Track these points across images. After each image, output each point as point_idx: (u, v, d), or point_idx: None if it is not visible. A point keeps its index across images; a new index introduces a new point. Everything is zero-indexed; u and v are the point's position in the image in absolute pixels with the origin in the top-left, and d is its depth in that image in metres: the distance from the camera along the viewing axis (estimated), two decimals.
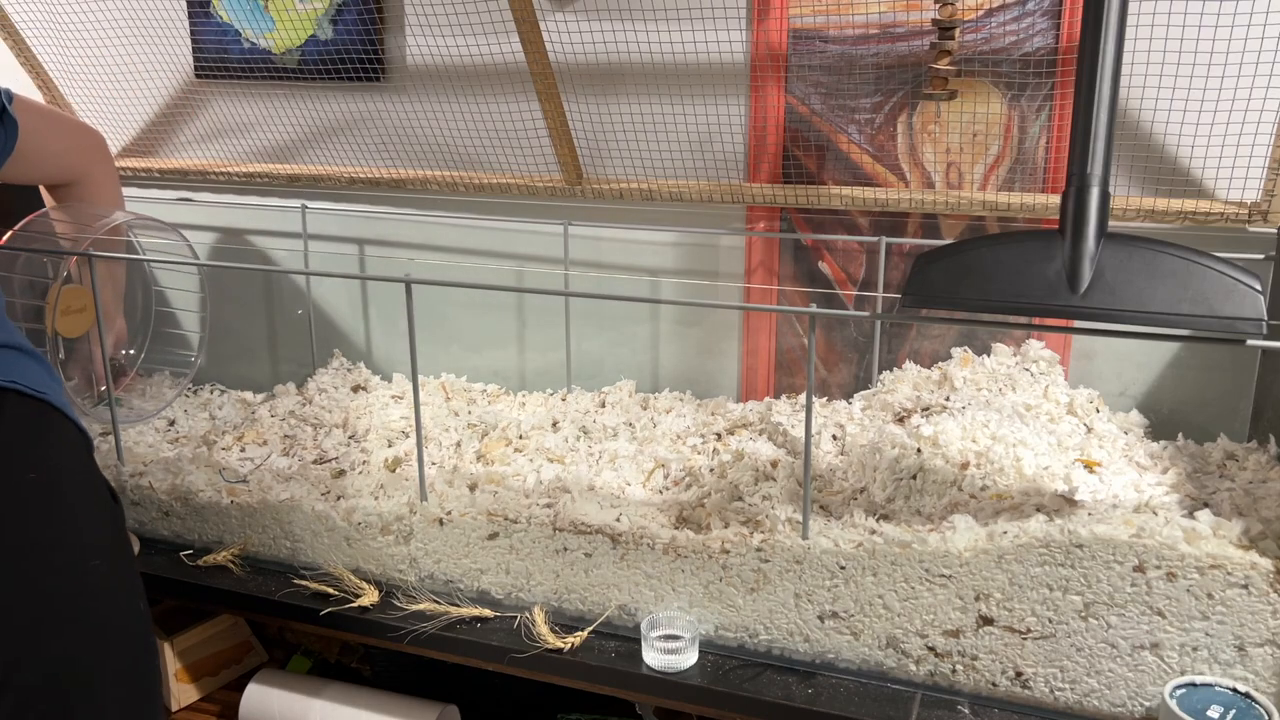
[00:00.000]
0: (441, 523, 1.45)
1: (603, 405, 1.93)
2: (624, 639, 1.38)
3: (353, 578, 1.49)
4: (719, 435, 1.73)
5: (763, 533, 1.32)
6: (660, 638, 1.32)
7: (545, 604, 1.41)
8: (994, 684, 1.23)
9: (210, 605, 1.58)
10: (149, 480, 1.66)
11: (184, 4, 2.11)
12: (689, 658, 1.31)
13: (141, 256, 2.07)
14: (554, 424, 1.82)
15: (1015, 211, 1.67)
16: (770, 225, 1.86)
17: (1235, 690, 1.12)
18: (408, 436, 1.81)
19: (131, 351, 2.09)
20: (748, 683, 1.28)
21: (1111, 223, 1.08)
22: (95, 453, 1.18)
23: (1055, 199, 1.63)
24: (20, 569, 0.97)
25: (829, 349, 1.89)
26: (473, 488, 1.55)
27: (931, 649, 1.25)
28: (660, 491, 1.56)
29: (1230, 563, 1.12)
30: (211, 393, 2.17)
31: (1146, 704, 1.18)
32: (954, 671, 1.24)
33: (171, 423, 1.99)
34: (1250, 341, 1.05)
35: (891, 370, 1.80)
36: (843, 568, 1.26)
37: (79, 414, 1.17)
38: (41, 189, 1.85)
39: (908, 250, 1.79)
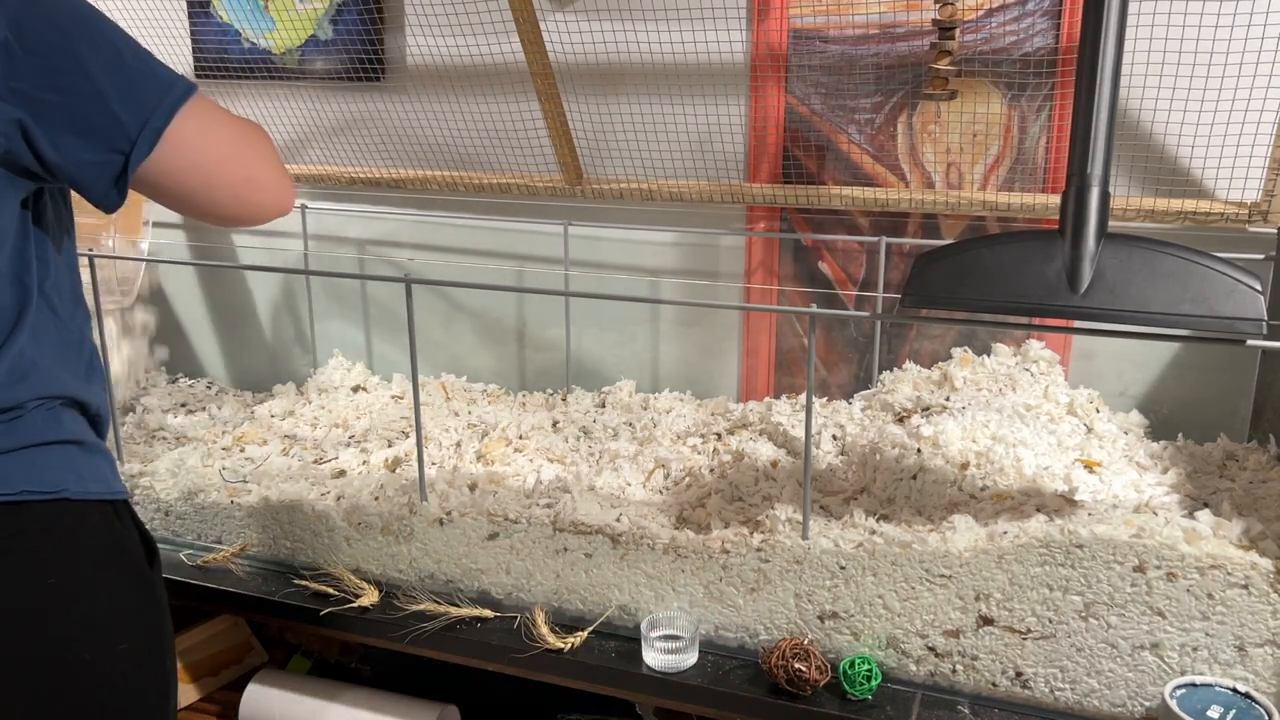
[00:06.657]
0: (441, 523, 1.45)
1: (603, 405, 1.93)
2: (624, 639, 1.38)
3: (353, 578, 1.49)
4: (719, 435, 1.73)
5: (763, 533, 1.32)
6: (660, 638, 1.32)
7: (545, 604, 1.41)
8: (994, 684, 1.23)
9: (210, 605, 1.58)
10: (149, 480, 1.66)
11: (184, 4, 2.11)
12: (689, 658, 1.31)
13: (142, 257, 2.07)
14: (554, 424, 1.82)
15: (1015, 211, 1.67)
16: (770, 225, 1.86)
17: (1235, 690, 1.12)
18: (408, 436, 1.81)
19: None
20: (748, 683, 1.28)
21: (1111, 223, 1.08)
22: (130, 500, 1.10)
23: (1055, 199, 1.63)
24: (34, 683, 0.95)
25: (829, 349, 1.89)
26: (473, 488, 1.55)
27: (931, 649, 1.25)
28: (660, 492, 1.56)
29: (1230, 563, 1.12)
30: (211, 391, 2.17)
31: (1147, 704, 1.18)
32: (954, 671, 1.24)
33: None
34: (1250, 341, 1.05)
35: (891, 370, 1.80)
36: (843, 568, 1.26)
37: (108, 469, 1.05)
38: None
39: (908, 250, 1.79)
